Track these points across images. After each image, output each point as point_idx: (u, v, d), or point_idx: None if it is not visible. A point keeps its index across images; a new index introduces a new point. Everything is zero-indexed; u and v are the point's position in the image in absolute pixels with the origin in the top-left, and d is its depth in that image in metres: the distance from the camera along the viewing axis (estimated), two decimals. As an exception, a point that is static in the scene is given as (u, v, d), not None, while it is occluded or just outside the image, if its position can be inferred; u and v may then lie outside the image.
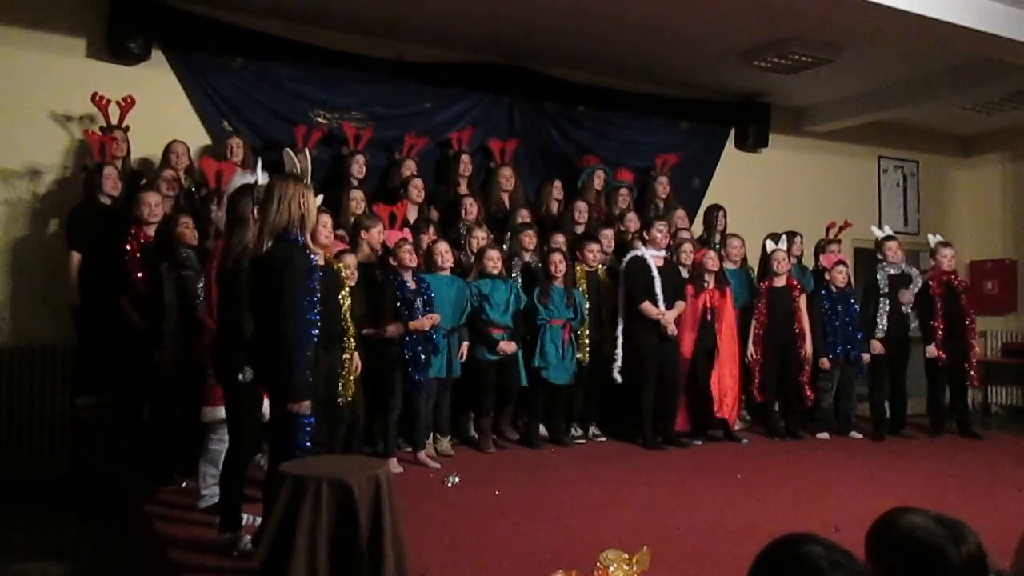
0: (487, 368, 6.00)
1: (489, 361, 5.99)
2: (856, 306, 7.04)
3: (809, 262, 7.86)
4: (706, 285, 6.63)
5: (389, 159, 7.07)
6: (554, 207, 7.38)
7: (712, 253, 6.73)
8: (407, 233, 5.89)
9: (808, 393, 6.89)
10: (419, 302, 5.54)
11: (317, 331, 3.51)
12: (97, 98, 5.85)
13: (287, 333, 3.37)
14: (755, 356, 6.78)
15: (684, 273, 6.66)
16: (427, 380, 5.58)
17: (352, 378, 4.99)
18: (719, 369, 6.59)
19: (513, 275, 6.29)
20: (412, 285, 5.57)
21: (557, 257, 6.23)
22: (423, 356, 5.49)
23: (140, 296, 5.04)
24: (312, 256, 3.54)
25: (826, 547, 1.47)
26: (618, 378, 6.34)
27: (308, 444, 3.45)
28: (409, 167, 6.73)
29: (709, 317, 6.61)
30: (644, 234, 6.54)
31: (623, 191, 7.65)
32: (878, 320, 6.94)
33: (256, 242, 3.52)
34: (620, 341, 6.37)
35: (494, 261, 6.00)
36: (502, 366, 6.04)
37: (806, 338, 6.86)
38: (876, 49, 7.32)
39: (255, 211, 3.72)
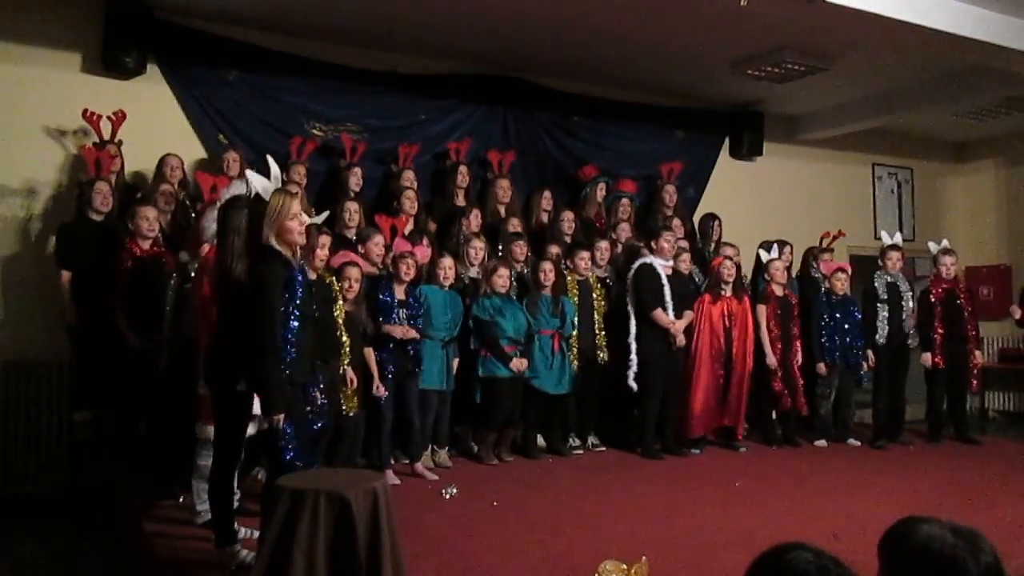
0: (499, 385, 5.95)
1: (501, 378, 5.95)
2: (857, 313, 7.06)
3: (797, 271, 7.85)
4: (723, 293, 6.64)
5: (386, 171, 7.08)
6: (544, 217, 7.39)
7: (728, 262, 6.72)
8: (418, 249, 5.87)
9: (801, 401, 6.90)
10: (402, 313, 5.53)
11: (295, 345, 3.53)
12: (88, 113, 5.85)
13: (261, 347, 3.40)
14: (775, 363, 6.77)
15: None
16: (412, 392, 5.58)
17: (351, 391, 5.00)
18: (736, 378, 6.60)
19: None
20: (400, 296, 5.56)
21: (546, 266, 6.24)
22: (393, 368, 5.46)
23: (133, 310, 5.04)
24: (295, 271, 3.56)
25: (815, 554, 1.47)
26: (634, 386, 6.33)
27: (291, 455, 3.46)
28: (407, 178, 6.74)
29: (727, 324, 6.60)
30: (652, 243, 6.55)
31: (623, 201, 7.66)
32: (878, 327, 6.94)
33: (244, 256, 3.54)
34: (634, 348, 6.36)
35: (504, 279, 6.00)
36: (515, 387, 6.02)
37: (802, 346, 6.90)
38: (869, 57, 7.35)
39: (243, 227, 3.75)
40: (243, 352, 3.51)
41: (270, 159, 3.71)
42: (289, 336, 3.51)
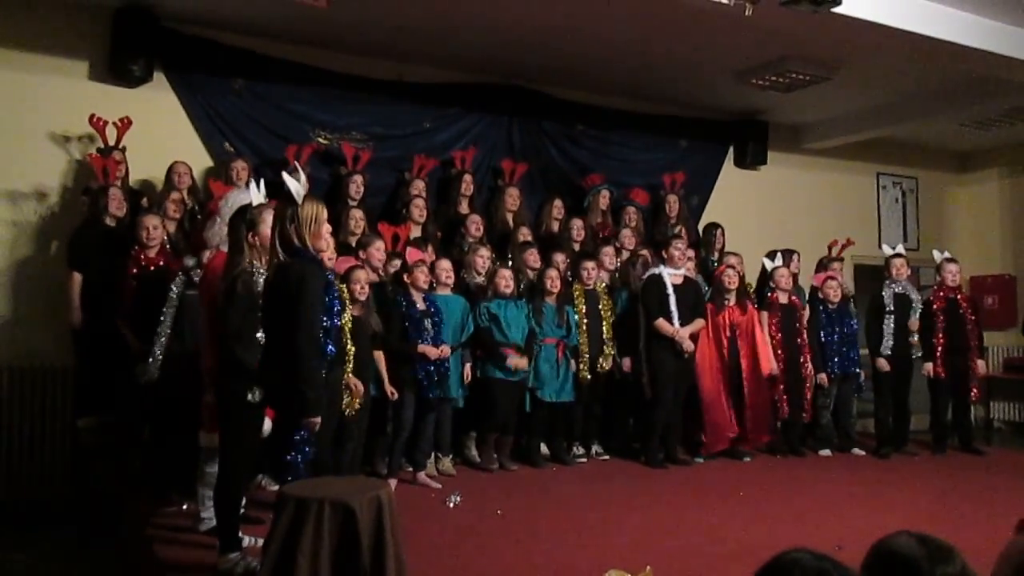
0: (496, 386, 5.98)
1: (498, 380, 5.97)
2: (853, 322, 7.05)
3: (807, 280, 7.83)
4: (727, 303, 6.63)
5: (398, 180, 7.10)
6: (555, 226, 7.40)
7: (730, 271, 6.74)
8: (426, 256, 5.89)
9: (807, 409, 6.89)
10: (428, 324, 5.55)
11: (331, 347, 3.59)
12: (95, 119, 5.88)
13: (303, 349, 3.40)
14: (771, 370, 6.76)
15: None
16: (435, 400, 5.61)
17: (355, 399, 4.99)
18: (747, 388, 6.58)
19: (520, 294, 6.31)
20: (421, 306, 5.58)
21: (552, 273, 6.24)
22: (436, 377, 5.52)
23: (138, 318, 5.05)
24: (328, 273, 3.60)
25: (815, 556, 1.50)
26: (649, 391, 6.36)
27: (306, 457, 3.49)
28: (417, 187, 6.76)
29: (730, 334, 6.60)
30: (663, 252, 6.56)
31: (630, 209, 7.67)
32: (883, 337, 6.93)
33: (268, 263, 3.55)
34: (644, 356, 6.40)
35: (507, 280, 6.03)
36: (512, 389, 6.03)
37: (808, 355, 6.89)
38: (873, 67, 7.36)
39: (250, 234, 3.76)
40: (257, 361, 3.53)
41: (299, 173, 3.74)
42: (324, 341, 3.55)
